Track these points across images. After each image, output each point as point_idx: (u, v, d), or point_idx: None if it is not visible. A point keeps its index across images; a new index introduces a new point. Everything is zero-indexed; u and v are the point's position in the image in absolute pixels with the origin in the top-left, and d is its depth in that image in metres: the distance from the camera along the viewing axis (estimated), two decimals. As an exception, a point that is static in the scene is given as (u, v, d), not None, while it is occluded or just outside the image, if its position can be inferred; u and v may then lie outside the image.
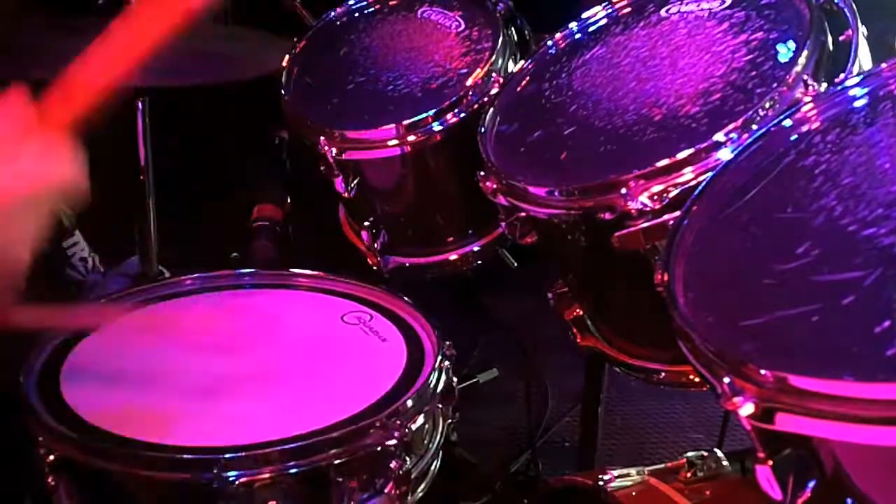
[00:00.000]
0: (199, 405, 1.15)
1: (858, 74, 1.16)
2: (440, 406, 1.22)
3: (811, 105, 1.12)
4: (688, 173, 1.17)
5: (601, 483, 1.27)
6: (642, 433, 2.57)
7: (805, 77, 1.19)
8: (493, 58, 1.62)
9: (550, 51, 1.59)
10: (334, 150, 1.60)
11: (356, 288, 1.43)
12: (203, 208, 2.61)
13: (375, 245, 1.71)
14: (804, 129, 1.09)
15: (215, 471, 1.02)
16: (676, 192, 1.17)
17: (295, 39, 1.87)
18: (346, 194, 1.65)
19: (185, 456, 1.05)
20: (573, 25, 1.59)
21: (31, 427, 1.10)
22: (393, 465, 1.11)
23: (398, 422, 1.11)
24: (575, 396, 2.20)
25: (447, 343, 1.26)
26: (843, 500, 0.84)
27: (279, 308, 1.39)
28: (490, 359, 2.42)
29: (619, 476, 1.29)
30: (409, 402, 1.14)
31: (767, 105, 1.18)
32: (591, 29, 1.58)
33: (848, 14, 1.26)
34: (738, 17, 1.37)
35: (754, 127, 1.16)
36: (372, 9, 1.89)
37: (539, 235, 1.38)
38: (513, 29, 1.72)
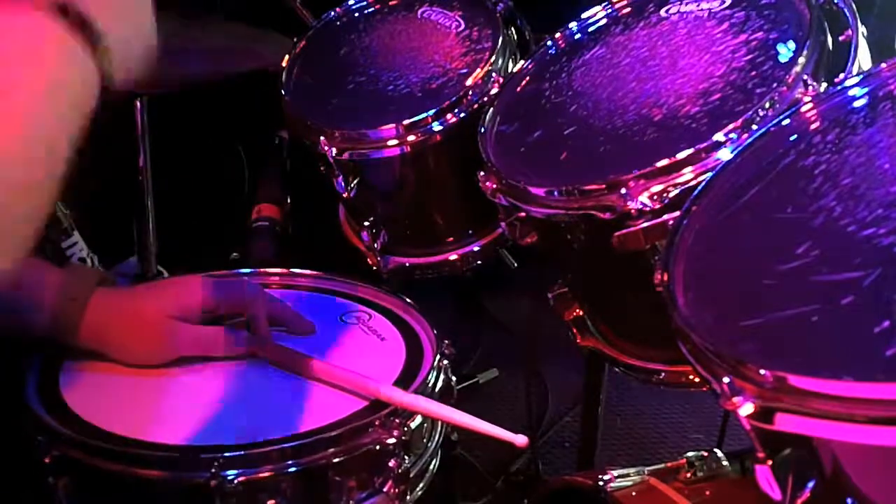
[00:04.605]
0: (198, 404, 1.15)
1: (858, 74, 1.16)
2: (439, 405, 1.22)
3: (811, 105, 1.12)
4: (688, 173, 1.17)
5: (601, 483, 1.27)
6: (642, 433, 2.57)
7: (805, 77, 1.19)
8: (493, 58, 1.62)
9: (550, 51, 1.59)
10: (334, 150, 1.60)
11: (355, 287, 1.43)
12: (203, 208, 2.61)
13: (375, 245, 1.71)
14: (804, 128, 1.09)
15: (214, 470, 1.02)
16: (676, 192, 1.16)
17: (295, 39, 1.87)
18: (346, 194, 1.65)
19: (183, 455, 1.05)
20: (573, 25, 1.59)
21: (30, 426, 1.10)
22: (392, 463, 1.11)
23: (397, 420, 1.11)
24: (575, 396, 2.20)
25: (446, 342, 1.26)
26: (843, 500, 0.84)
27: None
28: (490, 359, 2.43)
29: (619, 476, 1.29)
30: (406, 403, 1.14)
31: (767, 105, 1.18)
32: (591, 29, 1.58)
33: (848, 14, 1.26)
34: (738, 17, 1.37)
35: (754, 127, 1.16)
36: (372, 9, 1.89)
37: (539, 235, 1.38)
38: (513, 29, 1.71)
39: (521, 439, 1.10)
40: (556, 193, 1.27)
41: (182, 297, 1.23)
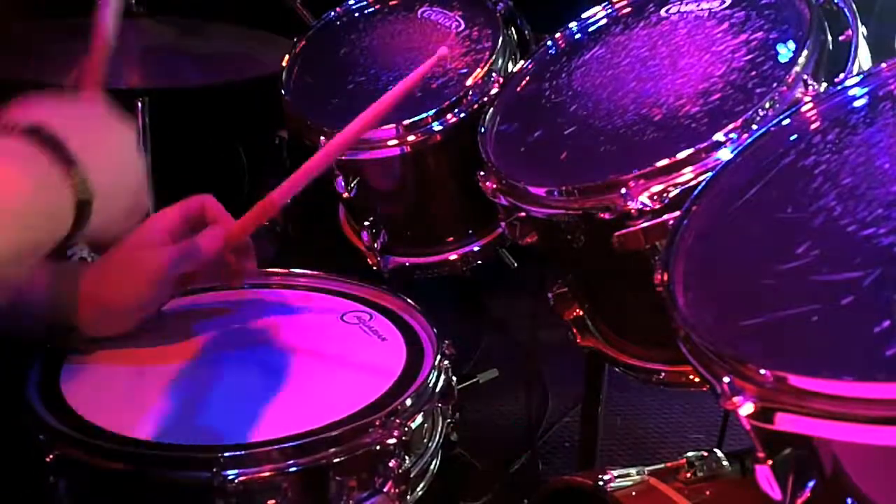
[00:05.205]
0: (199, 403, 1.15)
1: (858, 74, 1.16)
2: (439, 405, 1.22)
3: (811, 105, 1.12)
4: (688, 173, 1.17)
5: (601, 483, 1.27)
6: (642, 433, 2.57)
7: (805, 77, 1.19)
8: (493, 58, 1.62)
9: (550, 51, 1.59)
10: (334, 150, 1.60)
11: (355, 287, 1.43)
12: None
13: (375, 245, 1.71)
14: (804, 128, 1.09)
15: (214, 469, 1.02)
16: (676, 192, 1.17)
17: (295, 39, 1.87)
18: (346, 194, 1.65)
19: (184, 454, 1.05)
20: (573, 25, 1.59)
21: (31, 426, 1.10)
22: (392, 464, 1.11)
23: (397, 421, 1.11)
24: (575, 396, 2.20)
25: (446, 342, 1.26)
26: (843, 500, 0.84)
27: (278, 307, 1.39)
28: (490, 359, 2.42)
29: (619, 476, 1.29)
30: (409, 402, 1.14)
31: (767, 105, 1.18)
32: (591, 29, 1.58)
33: (848, 14, 1.26)
34: (738, 17, 1.37)
35: (754, 127, 1.16)
36: (372, 9, 1.89)
37: (539, 235, 1.38)
38: (513, 29, 1.72)
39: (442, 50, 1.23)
40: (556, 193, 1.27)
41: (140, 233, 1.23)
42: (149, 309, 1.24)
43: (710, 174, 1.11)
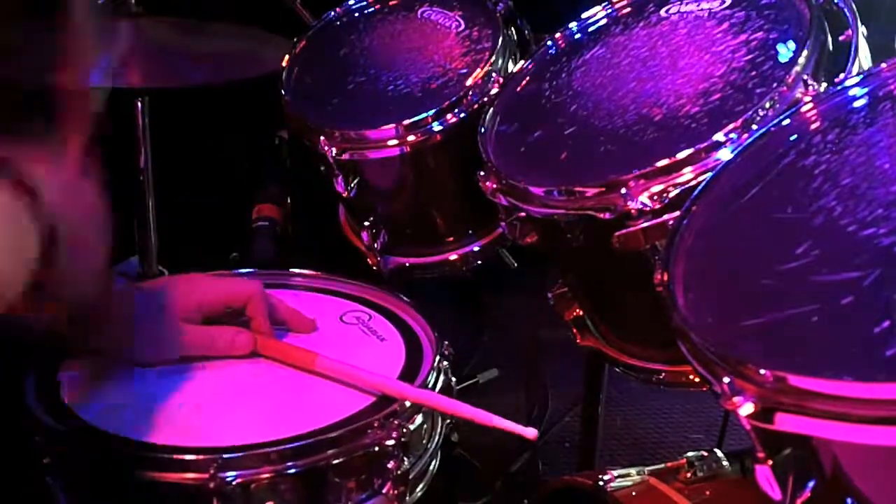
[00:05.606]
0: (197, 405, 1.15)
1: (858, 74, 1.16)
2: (439, 406, 1.22)
3: (811, 105, 1.12)
4: (688, 173, 1.17)
5: (601, 483, 1.27)
6: (642, 433, 2.58)
7: (805, 77, 1.19)
8: (493, 58, 1.62)
9: (550, 51, 1.59)
10: (334, 150, 1.60)
11: (354, 288, 1.43)
12: (203, 208, 2.61)
13: (375, 245, 1.71)
14: (804, 129, 1.09)
15: (212, 471, 1.02)
16: (676, 192, 1.16)
17: (295, 39, 1.87)
18: (346, 194, 1.65)
19: (182, 456, 1.04)
20: (573, 25, 1.59)
21: (28, 426, 1.10)
22: (391, 465, 1.10)
23: (396, 422, 1.11)
24: (575, 396, 2.20)
25: (445, 343, 1.26)
26: (843, 500, 0.84)
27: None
28: (490, 359, 2.42)
29: (619, 476, 1.29)
30: (407, 402, 1.14)
31: (767, 105, 1.18)
32: (591, 29, 1.58)
33: (848, 14, 1.26)
34: (738, 17, 1.37)
35: (754, 127, 1.16)
36: (372, 9, 1.89)
37: (539, 235, 1.38)
38: (513, 29, 1.72)
39: (530, 432, 1.10)
40: (555, 193, 1.27)
41: (183, 297, 1.22)
42: (145, 363, 1.21)
43: (710, 174, 1.11)
